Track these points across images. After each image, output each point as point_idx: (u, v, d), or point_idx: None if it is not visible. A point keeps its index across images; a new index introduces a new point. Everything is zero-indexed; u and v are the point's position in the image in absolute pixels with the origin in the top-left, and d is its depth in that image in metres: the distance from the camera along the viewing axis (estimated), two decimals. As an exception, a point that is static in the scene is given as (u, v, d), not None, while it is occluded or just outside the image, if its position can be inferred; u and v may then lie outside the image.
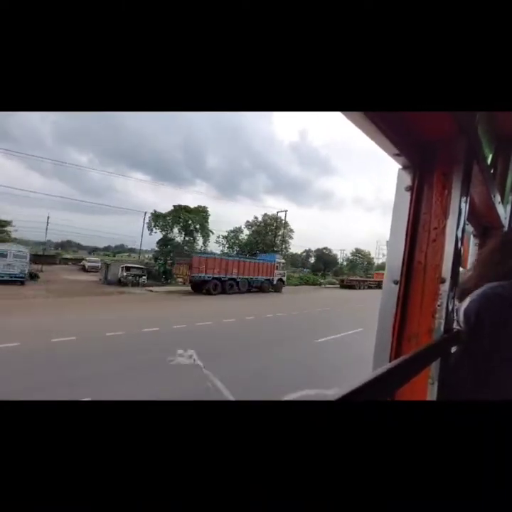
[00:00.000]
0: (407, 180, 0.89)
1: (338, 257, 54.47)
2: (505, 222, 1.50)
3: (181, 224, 25.92)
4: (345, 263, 53.02)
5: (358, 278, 37.13)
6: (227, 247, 35.66)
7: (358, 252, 55.60)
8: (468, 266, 1.49)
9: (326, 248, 53.65)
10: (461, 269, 0.89)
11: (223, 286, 18.12)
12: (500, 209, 1.36)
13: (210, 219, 27.83)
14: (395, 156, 0.84)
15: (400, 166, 0.90)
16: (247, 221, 37.95)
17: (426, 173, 0.89)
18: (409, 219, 0.88)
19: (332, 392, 0.40)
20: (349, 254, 55.13)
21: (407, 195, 0.89)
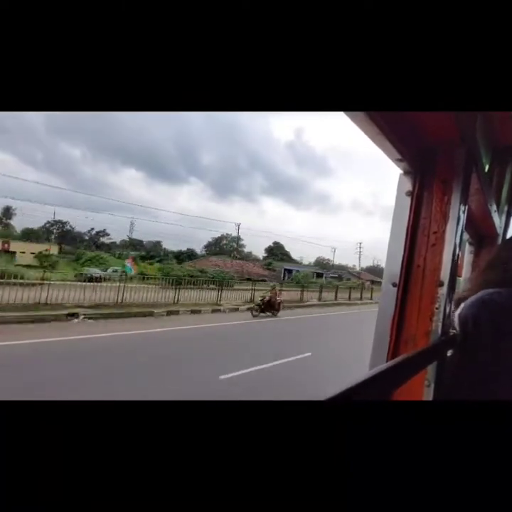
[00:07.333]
0: (408, 185, 0.91)
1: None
2: (500, 231, 1.53)
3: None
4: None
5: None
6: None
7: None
8: (464, 273, 1.51)
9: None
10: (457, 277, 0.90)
11: None
12: (496, 218, 1.38)
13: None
14: (396, 161, 0.85)
15: (401, 171, 0.91)
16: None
17: (426, 179, 0.91)
18: (408, 223, 0.89)
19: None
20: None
21: (408, 200, 0.90)
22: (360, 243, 60.40)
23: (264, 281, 27.85)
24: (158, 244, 50.58)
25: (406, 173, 0.91)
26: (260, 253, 59.43)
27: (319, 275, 46.04)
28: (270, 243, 58.72)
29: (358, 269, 59.61)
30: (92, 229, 53.02)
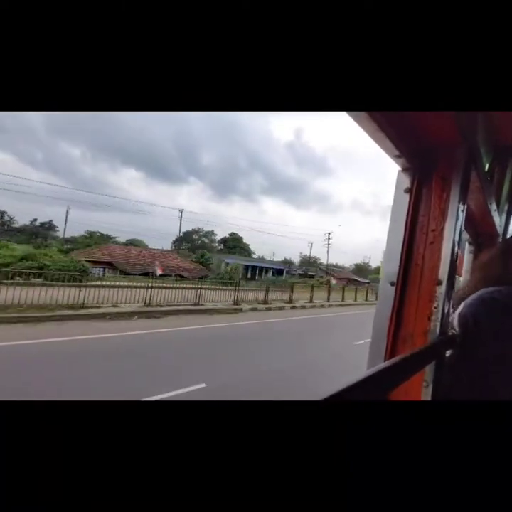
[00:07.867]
0: (406, 182, 0.90)
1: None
2: (500, 230, 1.52)
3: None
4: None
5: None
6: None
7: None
8: (464, 273, 1.51)
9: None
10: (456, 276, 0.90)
11: None
12: (496, 217, 1.37)
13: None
14: (395, 157, 0.84)
15: (400, 168, 0.90)
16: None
17: (425, 176, 0.90)
18: (407, 220, 0.88)
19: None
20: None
21: (406, 197, 0.89)
22: (329, 233, 52.45)
23: (181, 276, 22.46)
24: (93, 234, 43.84)
25: (405, 169, 0.89)
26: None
27: (279, 272, 41.22)
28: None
29: (334, 263, 53.50)
30: (35, 220, 46.64)
